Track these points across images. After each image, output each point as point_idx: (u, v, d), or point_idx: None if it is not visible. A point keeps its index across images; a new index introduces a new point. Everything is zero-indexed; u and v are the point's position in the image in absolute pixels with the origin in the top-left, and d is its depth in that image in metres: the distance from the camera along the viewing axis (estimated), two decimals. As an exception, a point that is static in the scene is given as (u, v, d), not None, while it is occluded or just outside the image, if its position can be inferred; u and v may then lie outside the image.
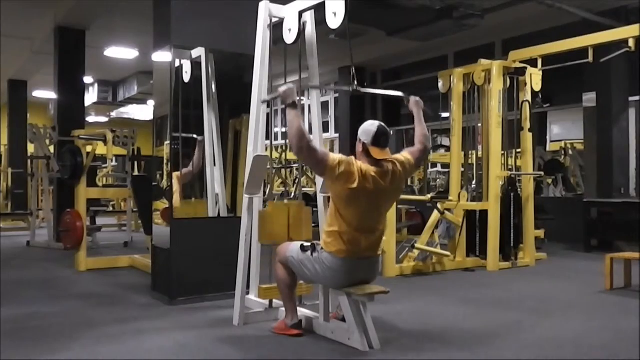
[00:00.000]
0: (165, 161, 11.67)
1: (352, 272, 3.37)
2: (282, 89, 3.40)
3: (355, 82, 3.71)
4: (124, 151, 8.76)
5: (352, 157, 3.38)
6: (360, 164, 3.34)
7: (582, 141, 9.43)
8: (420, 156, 3.68)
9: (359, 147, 3.45)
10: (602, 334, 3.76)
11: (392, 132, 11.96)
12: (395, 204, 6.09)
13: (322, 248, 3.42)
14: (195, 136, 5.21)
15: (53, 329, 3.85)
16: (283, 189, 12.38)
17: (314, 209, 4.24)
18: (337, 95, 14.03)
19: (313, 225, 4.12)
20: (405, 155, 3.58)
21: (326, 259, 3.37)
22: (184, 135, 4.95)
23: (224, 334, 3.68)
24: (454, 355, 3.31)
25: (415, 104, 3.76)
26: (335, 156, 3.32)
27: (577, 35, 6.87)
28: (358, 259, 3.37)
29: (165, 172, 10.10)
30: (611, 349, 3.45)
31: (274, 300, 4.03)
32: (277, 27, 4.12)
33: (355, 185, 3.25)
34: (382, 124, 3.47)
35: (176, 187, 5.00)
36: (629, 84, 8.50)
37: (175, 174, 5.05)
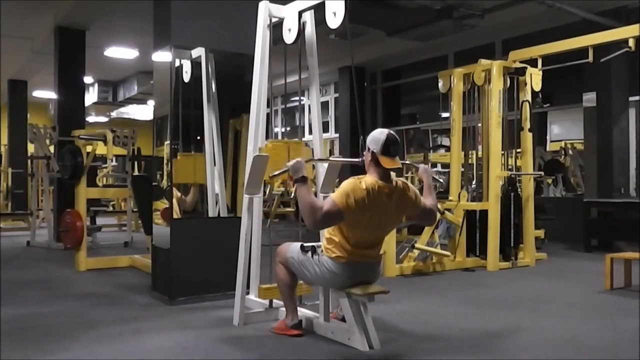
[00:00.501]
0: (165, 161, 11.66)
1: (354, 275, 3.36)
2: (290, 163, 3.35)
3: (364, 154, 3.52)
4: (124, 151, 8.75)
5: (355, 181, 3.27)
6: (366, 182, 3.26)
7: (582, 141, 9.42)
8: (424, 217, 3.57)
9: (367, 157, 3.36)
10: (602, 334, 3.76)
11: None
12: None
13: (322, 251, 3.41)
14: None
15: (53, 329, 3.84)
16: (283, 189, 12.37)
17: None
18: (337, 95, 14.03)
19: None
20: (419, 196, 3.47)
21: (327, 262, 3.37)
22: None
23: (224, 334, 3.68)
24: (454, 356, 3.31)
25: (424, 171, 3.66)
26: (341, 193, 3.20)
27: (577, 35, 6.88)
28: (359, 262, 3.37)
29: (165, 172, 10.10)
30: (611, 349, 3.45)
31: (274, 300, 4.02)
32: (277, 27, 4.12)
33: (367, 208, 3.20)
34: (392, 132, 3.37)
35: (175, 204, 5.01)
36: (629, 84, 8.50)
37: (176, 193, 5.05)
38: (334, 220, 3.23)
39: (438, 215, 3.63)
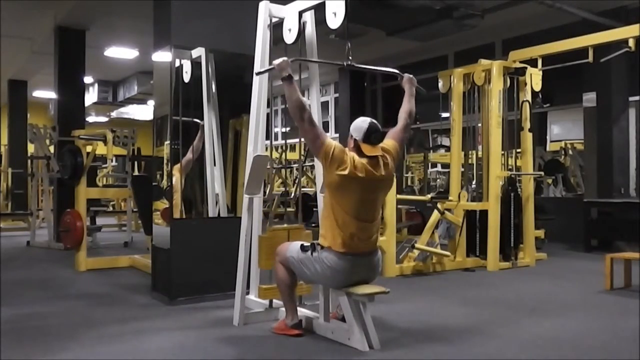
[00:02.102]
0: (165, 161, 11.67)
1: (352, 270, 3.37)
2: (276, 62, 3.45)
3: (350, 58, 3.70)
4: (124, 151, 8.76)
5: (346, 148, 3.42)
6: (352, 154, 3.38)
7: (582, 141, 9.42)
8: (403, 135, 3.71)
9: (350, 143, 3.46)
10: (602, 334, 3.76)
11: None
12: (395, 205, 6.11)
13: (321, 247, 3.42)
14: (197, 120, 5.20)
15: (53, 329, 3.85)
16: (283, 189, 12.38)
17: (314, 209, 4.24)
18: (337, 95, 14.03)
19: (313, 225, 4.12)
20: (389, 142, 3.59)
21: (326, 257, 3.37)
22: (184, 119, 4.92)
23: (224, 334, 3.68)
24: (454, 355, 3.31)
25: (408, 80, 3.81)
26: (332, 140, 3.38)
27: (577, 35, 6.87)
28: (357, 255, 3.37)
29: (165, 172, 10.10)
30: (611, 349, 3.45)
31: (274, 300, 4.03)
32: (277, 27, 4.12)
33: (346, 172, 3.28)
34: (374, 120, 3.49)
35: (177, 182, 4.99)
36: (629, 84, 8.50)
37: (176, 167, 5.04)
38: (315, 132, 3.37)
39: (413, 119, 3.75)
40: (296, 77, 4.12)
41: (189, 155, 5.25)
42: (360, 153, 3.38)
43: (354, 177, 3.29)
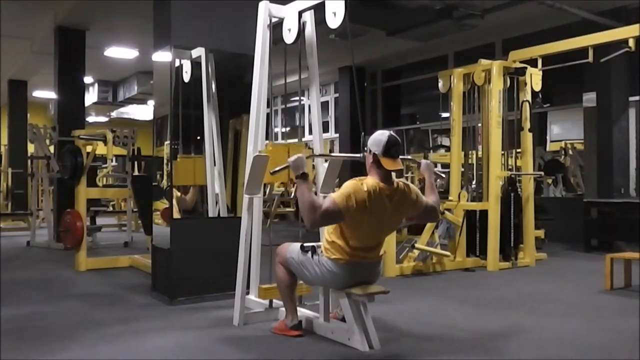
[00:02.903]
0: (165, 161, 11.66)
1: (354, 276, 3.36)
2: (291, 159, 3.32)
3: (365, 149, 3.48)
4: (124, 151, 8.75)
5: (357, 182, 3.26)
6: (368, 184, 3.25)
7: (582, 141, 9.43)
8: (426, 216, 3.59)
9: (369, 159, 3.34)
10: (602, 334, 3.76)
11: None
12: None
13: (322, 252, 3.41)
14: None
15: (53, 329, 3.85)
16: (283, 189, 12.37)
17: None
18: (337, 95, 14.03)
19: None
20: (421, 196, 3.46)
21: (326, 262, 3.36)
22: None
23: (224, 334, 3.68)
24: (454, 356, 3.31)
25: (426, 167, 3.64)
26: (342, 194, 3.19)
27: (577, 35, 6.88)
28: (360, 263, 3.37)
29: (165, 172, 10.08)
30: (611, 349, 3.45)
31: (274, 300, 4.02)
32: (277, 27, 4.12)
33: (367, 210, 3.19)
34: (393, 133, 3.36)
35: (176, 206, 5.02)
36: (629, 84, 8.50)
37: (176, 193, 5.06)
38: (333, 219, 3.23)
39: (439, 213, 3.63)
40: (296, 78, 4.17)
41: (189, 196, 5.37)
42: (380, 167, 3.28)
43: (372, 211, 3.21)
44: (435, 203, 3.54)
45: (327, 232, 3.44)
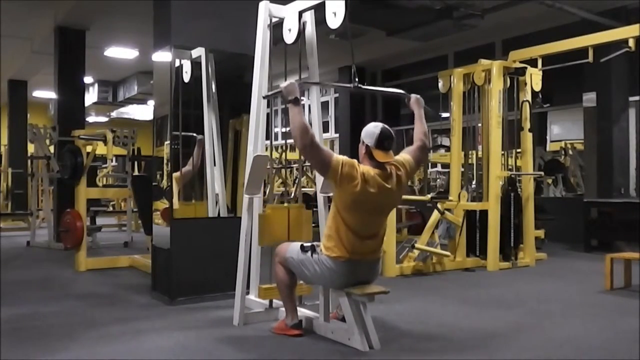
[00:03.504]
0: (165, 161, 11.67)
1: (353, 274, 3.37)
2: (283, 85, 3.38)
3: (357, 80, 3.69)
4: (124, 151, 8.76)
5: (355, 161, 3.34)
6: (362, 168, 3.30)
7: (582, 141, 9.42)
8: (420, 155, 3.64)
9: (361, 150, 3.40)
10: (602, 334, 3.76)
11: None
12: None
13: (322, 250, 3.41)
14: (195, 135, 5.21)
15: (53, 329, 3.85)
16: (283, 189, 12.37)
17: (314, 209, 4.24)
18: (337, 95, 14.03)
19: (313, 225, 4.12)
20: (405, 156, 3.54)
21: (326, 260, 3.36)
22: (183, 134, 4.95)
23: (224, 334, 3.68)
24: (454, 356, 3.31)
25: (415, 101, 3.73)
26: (339, 157, 3.28)
27: (577, 35, 6.87)
28: (359, 261, 3.37)
29: (165, 172, 10.10)
30: (611, 349, 3.45)
31: (274, 300, 4.03)
32: (277, 27, 4.12)
33: (357, 188, 3.22)
34: (386, 126, 3.41)
35: (176, 188, 5.00)
36: (629, 84, 8.49)
37: (175, 175, 5.05)
38: (320, 156, 3.27)
39: (429, 144, 3.72)
40: (297, 78, 4.16)
41: (189, 167, 5.28)
42: (372, 159, 3.33)
43: (365, 192, 3.23)
44: (423, 135, 3.66)
45: (327, 226, 3.46)
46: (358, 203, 3.27)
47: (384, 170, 3.35)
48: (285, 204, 4.31)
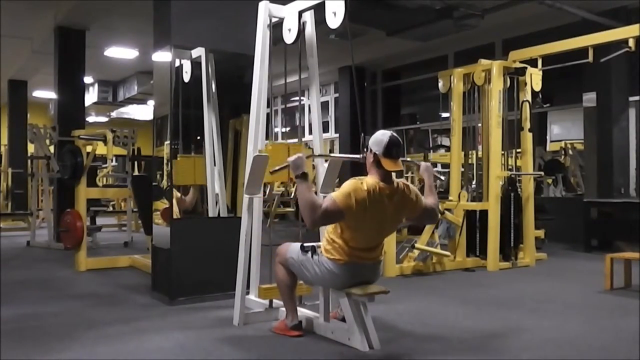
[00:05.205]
0: (165, 161, 11.65)
1: (353, 276, 3.36)
2: (291, 159, 3.32)
3: (364, 142, 3.48)
4: (124, 151, 8.75)
5: (356, 181, 3.27)
6: (368, 183, 3.25)
7: (582, 141, 9.43)
8: (425, 218, 3.63)
9: (369, 158, 3.34)
10: (602, 334, 3.76)
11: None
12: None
13: (322, 252, 3.41)
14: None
15: (53, 329, 3.85)
16: (283, 189, 12.38)
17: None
18: (337, 95, 14.04)
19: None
20: (420, 197, 3.46)
21: (326, 262, 3.36)
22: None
23: (224, 334, 3.68)
24: (454, 356, 3.31)
25: (425, 169, 3.65)
26: (343, 193, 3.19)
27: (577, 35, 6.87)
28: (359, 264, 3.36)
29: (165, 172, 10.07)
30: (611, 349, 3.45)
31: (274, 300, 4.02)
32: (277, 27, 4.12)
33: (367, 210, 3.19)
34: (394, 134, 3.36)
35: (176, 207, 5.03)
36: (629, 84, 8.50)
37: (176, 194, 5.07)
38: (334, 218, 3.23)
39: (439, 215, 3.64)
40: (296, 78, 4.17)
41: (189, 197, 5.39)
42: (380, 167, 3.29)
43: (372, 210, 3.20)
44: (434, 205, 3.55)
45: (327, 233, 3.44)
46: (362, 221, 3.24)
47: (391, 185, 3.31)
48: (287, 141, 4.24)
